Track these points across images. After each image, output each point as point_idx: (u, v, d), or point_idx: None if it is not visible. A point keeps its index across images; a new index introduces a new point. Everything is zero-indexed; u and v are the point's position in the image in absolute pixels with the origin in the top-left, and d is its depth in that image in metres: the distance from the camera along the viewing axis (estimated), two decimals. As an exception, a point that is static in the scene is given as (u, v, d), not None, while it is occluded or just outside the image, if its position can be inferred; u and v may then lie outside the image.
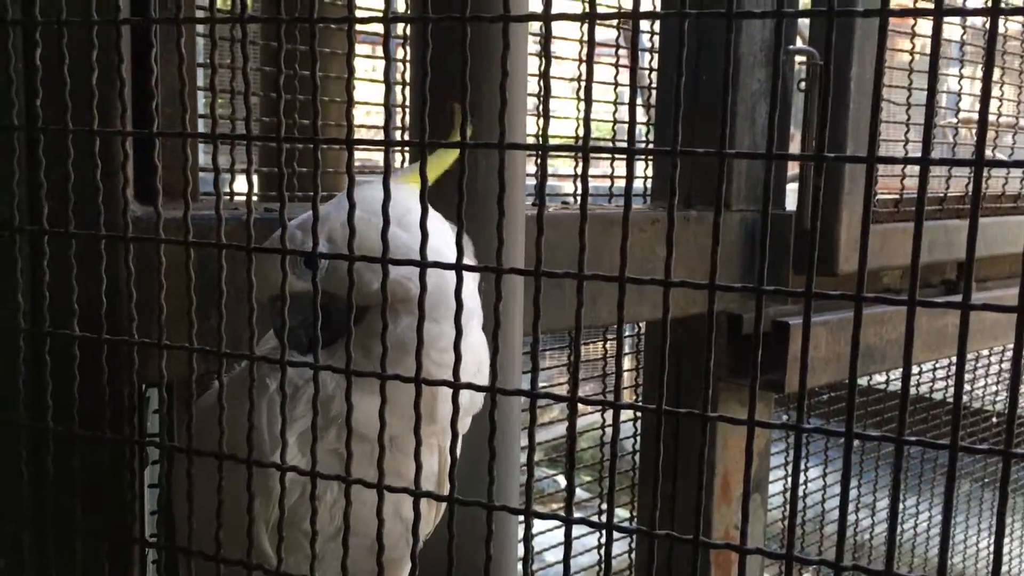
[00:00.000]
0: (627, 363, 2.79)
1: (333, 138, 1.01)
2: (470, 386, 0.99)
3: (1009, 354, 3.77)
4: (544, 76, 0.90)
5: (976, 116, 0.84)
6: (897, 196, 2.55)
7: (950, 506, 0.89)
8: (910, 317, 0.89)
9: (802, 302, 1.07)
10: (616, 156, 2.33)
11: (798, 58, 2.25)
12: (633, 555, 2.71)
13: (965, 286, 0.95)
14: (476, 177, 1.17)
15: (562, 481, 2.54)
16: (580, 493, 3.33)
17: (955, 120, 3.32)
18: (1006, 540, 4.18)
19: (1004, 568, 4.13)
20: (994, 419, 4.09)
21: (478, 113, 1.07)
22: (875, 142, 0.88)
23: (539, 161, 0.87)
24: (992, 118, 3.14)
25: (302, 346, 1.20)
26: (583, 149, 0.86)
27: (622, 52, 2.99)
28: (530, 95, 2.06)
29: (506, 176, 0.94)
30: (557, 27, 2.57)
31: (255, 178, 2.01)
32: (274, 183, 1.79)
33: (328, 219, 1.20)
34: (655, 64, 2.52)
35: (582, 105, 0.93)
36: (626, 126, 2.50)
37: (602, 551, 1.52)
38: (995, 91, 3.12)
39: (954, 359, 3.52)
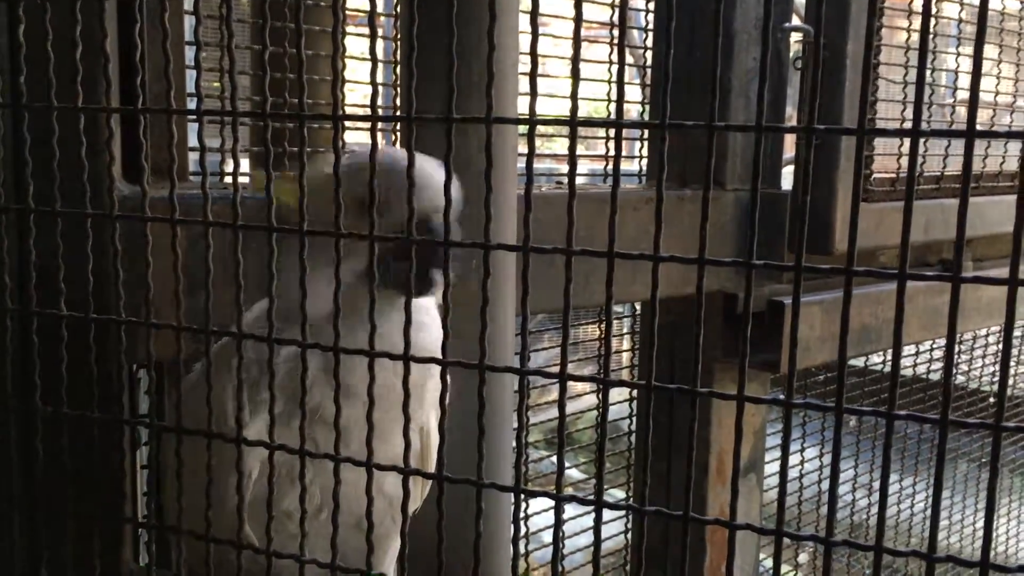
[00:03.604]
0: (625, 344, 2.78)
1: (319, 114, 1.00)
2: (459, 363, 0.98)
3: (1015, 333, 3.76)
4: (532, 52, 0.88)
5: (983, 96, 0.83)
6: (894, 176, 2.54)
7: (940, 481, 0.88)
8: (900, 291, 0.88)
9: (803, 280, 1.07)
10: (609, 135, 2.32)
11: (795, 36, 2.24)
12: (629, 535, 2.71)
13: (956, 259, 0.94)
14: (467, 153, 1.16)
15: (558, 462, 2.52)
16: (577, 474, 3.33)
17: (952, 100, 3.30)
18: (1003, 520, 4.19)
19: (1002, 548, 4.14)
20: (991, 399, 4.09)
21: (467, 88, 1.06)
22: (864, 114, 0.87)
23: (528, 136, 0.86)
24: (989, 97, 3.13)
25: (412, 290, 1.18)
26: (571, 123, 0.85)
27: (615, 31, 2.96)
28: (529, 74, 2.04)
29: (496, 152, 0.93)
30: (551, 6, 2.55)
31: (247, 158, 1.99)
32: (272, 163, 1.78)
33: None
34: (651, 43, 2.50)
35: (568, 81, 0.92)
36: (624, 106, 2.49)
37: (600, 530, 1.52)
38: (992, 69, 3.10)
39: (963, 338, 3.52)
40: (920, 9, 0.87)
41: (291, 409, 1.14)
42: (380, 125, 1.05)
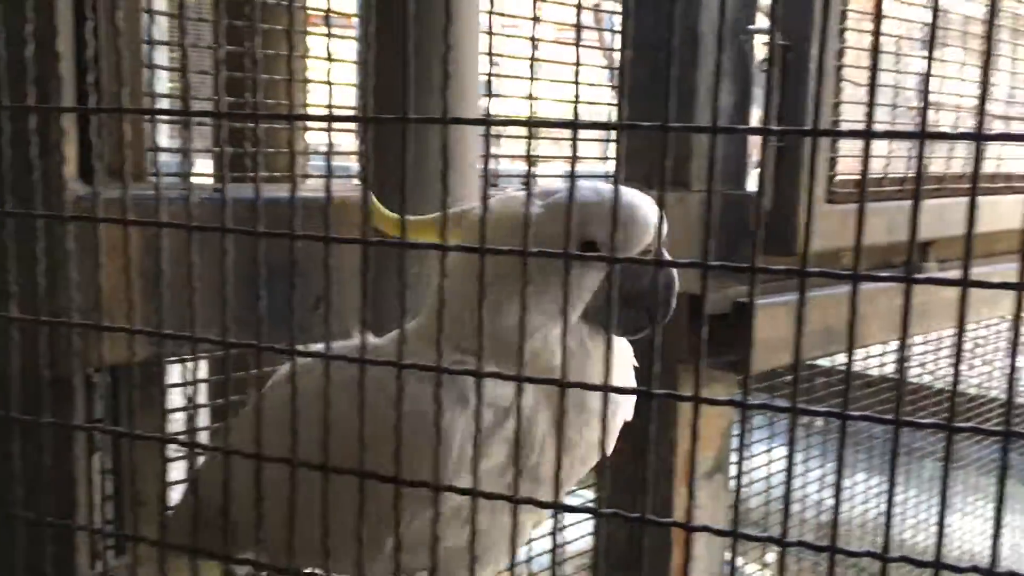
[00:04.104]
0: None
1: (274, 114, 0.99)
2: (582, 385, 0.97)
3: (974, 333, 3.80)
4: (490, 52, 0.88)
5: (942, 99, 0.83)
6: (858, 176, 2.54)
7: (893, 481, 0.89)
8: (853, 291, 0.89)
9: (766, 283, 1.07)
10: (577, 136, 2.31)
11: (763, 39, 2.24)
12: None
13: (907, 261, 0.95)
14: (426, 154, 1.15)
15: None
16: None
17: (921, 103, 3.32)
18: (974, 519, 4.22)
19: (968, 547, 4.17)
20: (963, 398, 4.13)
21: (426, 88, 1.05)
22: (819, 114, 0.88)
23: (484, 137, 0.86)
24: (955, 100, 3.15)
25: (634, 331, 1.23)
26: (528, 123, 0.85)
27: (588, 34, 2.97)
28: (502, 75, 2.05)
29: (455, 153, 0.92)
30: (525, 8, 2.55)
31: (210, 158, 1.97)
32: (232, 163, 1.77)
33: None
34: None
35: (536, 82, 0.92)
36: (591, 107, 2.49)
37: (560, 534, 1.52)
38: (958, 73, 3.13)
39: (921, 338, 3.54)
40: (889, 13, 0.87)
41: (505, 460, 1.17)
42: (339, 126, 1.04)
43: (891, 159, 2.56)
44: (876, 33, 0.85)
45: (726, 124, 2.18)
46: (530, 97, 1.47)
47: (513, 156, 2.34)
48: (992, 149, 3.12)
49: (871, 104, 0.86)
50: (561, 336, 1.08)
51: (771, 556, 3.67)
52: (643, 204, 1.23)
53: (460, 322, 1.12)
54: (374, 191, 1.04)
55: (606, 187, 1.22)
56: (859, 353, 3.29)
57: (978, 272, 0.83)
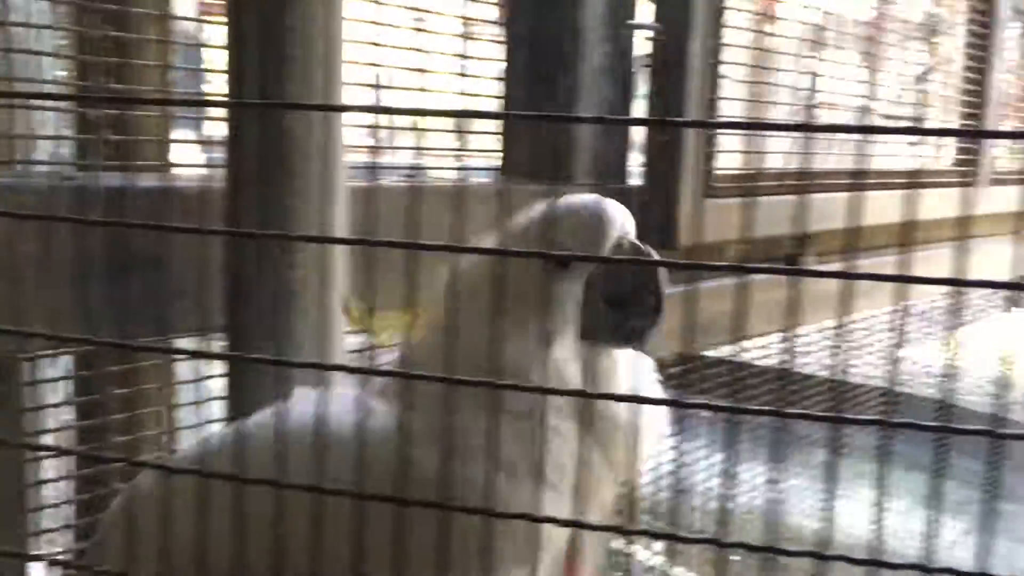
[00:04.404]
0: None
1: (131, 98, 0.92)
2: (609, 396, 0.93)
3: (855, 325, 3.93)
4: (334, 36, 0.84)
5: (834, 99, 0.83)
6: (747, 172, 2.60)
7: (777, 473, 0.89)
8: (740, 283, 0.89)
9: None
10: (460, 129, 2.29)
11: (643, 34, 2.25)
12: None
13: (795, 254, 0.95)
14: (290, 144, 1.10)
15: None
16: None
17: (812, 102, 3.41)
18: (851, 503, 4.34)
19: (856, 532, 4.28)
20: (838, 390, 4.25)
21: (289, 76, 1.00)
22: (680, 109, 0.87)
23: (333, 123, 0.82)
24: (840, 100, 3.25)
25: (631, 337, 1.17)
26: (380, 110, 0.81)
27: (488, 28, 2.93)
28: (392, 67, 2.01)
29: (317, 143, 0.88)
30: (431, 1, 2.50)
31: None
32: (90, 150, 1.67)
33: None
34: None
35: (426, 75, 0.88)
36: (482, 100, 2.46)
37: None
38: (845, 74, 3.23)
39: (801, 331, 3.64)
40: (764, 11, 0.87)
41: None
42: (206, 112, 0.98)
43: (771, 155, 2.61)
44: (762, 32, 0.85)
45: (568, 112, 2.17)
46: (422, 90, 1.43)
47: (394, 148, 2.30)
48: (873, 147, 3.23)
49: (711, 98, 0.85)
50: (559, 355, 1.09)
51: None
52: (600, 203, 1.20)
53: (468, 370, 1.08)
54: (232, 180, 0.98)
55: (568, 199, 1.21)
56: (743, 345, 3.35)
57: (859, 265, 0.84)
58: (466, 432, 1.00)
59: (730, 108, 2.65)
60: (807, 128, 0.93)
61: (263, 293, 1.01)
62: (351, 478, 0.94)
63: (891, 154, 3.42)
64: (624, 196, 2.22)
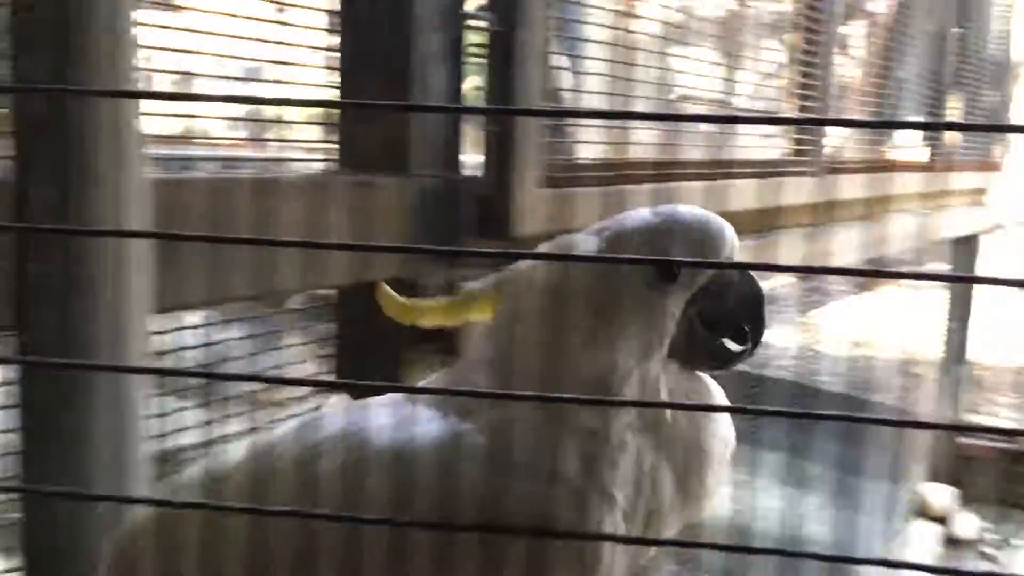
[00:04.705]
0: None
1: None
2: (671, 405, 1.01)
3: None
4: (129, 25, 0.79)
5: (696, 93, 0.84)
6: (578, 161, 2.64)
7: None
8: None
9: (482, 267, 1.05)
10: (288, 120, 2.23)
11: (476, 23, 2.25)
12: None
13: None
14: (74, 130, 1.04)
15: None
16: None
17: (672, 96, 3.49)
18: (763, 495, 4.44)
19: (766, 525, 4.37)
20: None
21: (83, 60, 0.94)
22: (510, 99, 0.87)
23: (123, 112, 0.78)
24: (701, 94, 3.34)
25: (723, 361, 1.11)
26: (180, 96, 0.78)
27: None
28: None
29: (108, 129, 0.83)
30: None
31: None
32: None
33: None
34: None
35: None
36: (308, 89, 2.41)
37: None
38: (702, 70, 3.32)
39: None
40: (644, 13, 0.87)
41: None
42: None
43: (619, 144, 2.66)
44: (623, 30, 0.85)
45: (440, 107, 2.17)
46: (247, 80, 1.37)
47: (222, 142, 2.22)
48: (726, 136, 3.34)
49: (550, 90, 0.86)
50: (659, 375, 1.04)
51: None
52: (712, 217, 1.14)
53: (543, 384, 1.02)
54: (23, 169, 0.92)
55: (663, 209, 1.14)
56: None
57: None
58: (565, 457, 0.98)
59: (591, 101, 2.68)
60: (621, 116, 0.94)
61: (52, 288, 0.94)
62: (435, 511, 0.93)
63: (745, 145, 3.54)
64: (459, 186, 2.24)
